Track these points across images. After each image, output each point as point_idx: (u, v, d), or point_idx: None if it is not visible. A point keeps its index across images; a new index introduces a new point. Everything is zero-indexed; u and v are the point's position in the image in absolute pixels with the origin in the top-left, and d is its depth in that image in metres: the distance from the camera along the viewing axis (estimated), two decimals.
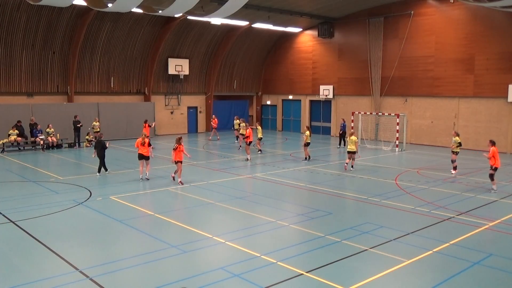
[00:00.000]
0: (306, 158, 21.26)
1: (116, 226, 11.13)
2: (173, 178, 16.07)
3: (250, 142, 21.73)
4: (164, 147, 25.78)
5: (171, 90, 32.95)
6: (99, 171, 17.28)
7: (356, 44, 31.07)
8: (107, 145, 17.41)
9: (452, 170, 17.77)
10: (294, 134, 34.33)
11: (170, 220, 11.47)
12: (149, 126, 25.11)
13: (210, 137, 29.82)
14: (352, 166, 18.69)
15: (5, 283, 7.71)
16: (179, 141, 15.59)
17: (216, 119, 29.81)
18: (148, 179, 16.35)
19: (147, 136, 22.42)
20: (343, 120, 27.21)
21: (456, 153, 17.72)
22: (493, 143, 14.97)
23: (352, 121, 27.96)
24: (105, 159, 17.52)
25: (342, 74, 32.26)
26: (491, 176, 14.82)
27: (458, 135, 17.97)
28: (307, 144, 21.13)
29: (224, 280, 7.87)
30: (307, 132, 21.16)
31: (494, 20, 24.39)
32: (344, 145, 26.00)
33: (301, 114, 35.73)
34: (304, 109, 35.45)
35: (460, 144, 17.69)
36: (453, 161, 17.77)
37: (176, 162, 15.53)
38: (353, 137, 18.52)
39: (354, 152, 18.46)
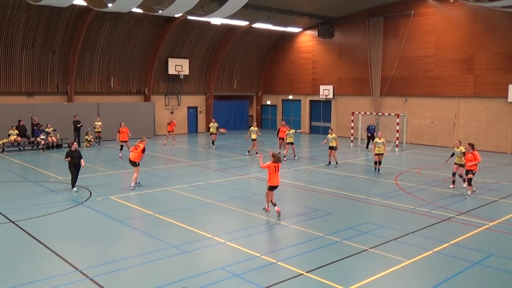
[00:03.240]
0: (329, 163, 19.91)
1: (116, 226, 11.13)
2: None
3: (282, 139, 21.82)
4: (163, 147, 25.78)
5: (171, 90, 32.95)
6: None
7: (356, 44, 31.07)
8: (65, 159, 14.37)
9: (465, 185, 14.93)
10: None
11: (170, 220, 11.47)
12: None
13: (174, 142, 27.12)
14: (378, 170, 18.01)
15: (5, 283, 7.71)
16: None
17: (174, 122, 27.65)
18: (132, 189, 14.83)
19: (125, 142, 21.30)
20: (371, 121, 25.97)
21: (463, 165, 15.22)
22: (473, 146, 14.15)
23: (352, 121, 27.95)
24: (79, 172, 14.76)
25: (342, 74, 32.25)
26: (470, 181, 14.07)
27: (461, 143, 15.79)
28: (335, 148, 19.55)
29: (224, 280, 7.87)
30: (334, 135, 19.76)
31: (494, 20, 24.39)
32: (368, 147, 24.95)
33: (301, 114, 35.73)
34: (304, 109, 35.45)
35: (464, 153, 15.56)
36: (462, 176, 15.26)
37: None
38: (383, 139, 18.04)
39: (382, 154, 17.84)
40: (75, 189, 14.58)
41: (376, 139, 18.16)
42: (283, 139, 22.17)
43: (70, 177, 14.68)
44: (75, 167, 14.53)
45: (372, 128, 25.49)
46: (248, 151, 22.87)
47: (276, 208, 11.66)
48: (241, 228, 10.89)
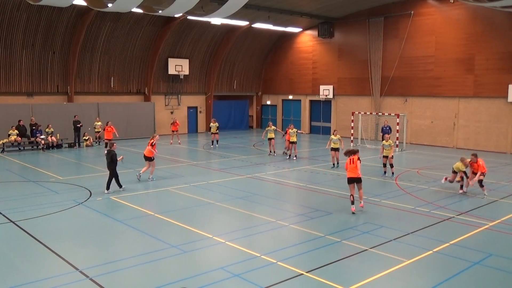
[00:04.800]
0: (334, 165, 19.41)
1: (116, 226, 11.14)
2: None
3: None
4: (164, 147, 25.78)
5: (171, 90, 32.96)
6: (119, 186, 14.58)
7: (356, 44, 31.07)
8: (118, 159, 14.37)
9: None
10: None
11: (170, 220, 11.47)
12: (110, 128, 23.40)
13: (179, 141, 27.61)
14: (390, 173, 17.40)
15: (5, 283, 7.71)
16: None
17: (178, 122, 27.85)
18: (152, 180, 16.12)
19: (109, 140, 22.36)
20: (386, 122, 25.31)
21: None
22: (476, 156, 14.27)
23: (352, 121, 27.94)
24: (116, 175, 14.45)
25: (342, 74, 32.26)
26: (481, 182, 14.03)
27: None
28: (337, 149, 19.11)
29: (224, 280, 7.87)
30: (339, 136, 19.29)
31: (494, 20, 24.39)
32: None
33: (301, 114, 35.74)
34: (304, 109, 35.45)
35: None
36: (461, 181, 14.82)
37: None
38: (390, 141, 17.50)
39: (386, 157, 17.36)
40: (109, 190, 14.34)
41: (384, 142, 17.65)
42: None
43: (108, 178, 14.36)
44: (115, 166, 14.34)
45: (386, 129, 24.77)
46: (272, 152, 22.86)
47: (358, 205, 12.10)
48: (241, 228, 10.89)
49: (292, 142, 21.37)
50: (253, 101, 39.14)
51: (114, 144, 14.78)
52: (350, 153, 12.41)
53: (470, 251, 9.36)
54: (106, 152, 14.53)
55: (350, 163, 12.27)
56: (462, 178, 14.71)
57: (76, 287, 7.62)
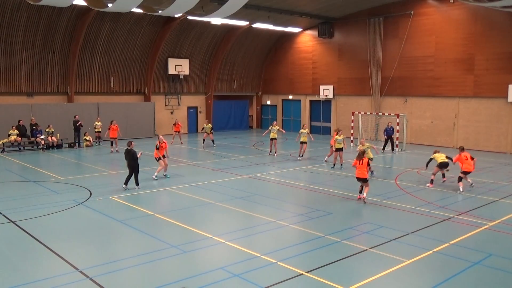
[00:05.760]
0: (334, 165, 19.41)
1: (116, 226, 11.14)
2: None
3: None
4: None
5: (171, 90, 32.95)
6: (125, 183, 14.84)
7: (356, 44, 31.08)
8: (138, 155, 14.80)
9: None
10: (294, 134, 34.23)
11: (170, 220, 11.47)
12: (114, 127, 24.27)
13: (181, 141, 28.01)
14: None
15: (5, 283, 7.71)
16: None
17: (179, 123, 28.13)
18: (156, 179, 16.41)
19: (114, 138, 23.66)
20: (390, 123, 24.92)
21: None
22: (462, 149, 15.09)
23: (352, 121, 27.95)
24: (138, 172, 15.01)
25: (342, 74, 32.26)
26: (460, 178, 14.62)
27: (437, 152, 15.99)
28: (340, 149, 19.17)
29: (224, 280, 7.88)
30: (343, 136, 19.22)
31: (494, 20, 24.39)
32: (384, 149, 24.27)
33: (301, 114, 35.74)
34: (304, 109, 35.45)
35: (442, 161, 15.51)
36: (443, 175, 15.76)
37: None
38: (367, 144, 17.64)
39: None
40: (124, 186, 14.85)
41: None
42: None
43: (134, 175, 14.90)
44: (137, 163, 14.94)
45: (390, 130, 24.45)
46: (272, 152, 22.82)
47: (362, 195, 13.36)
48: (241, 228, 10.89)
49: (303, 142, 21.19)
50: (253, 101, 39.14)
51: (132, 143, 15.20)
52: (362, 154, 13.41)
53: (470, 251, 9.36)
54: (125, 151, 15.03)
55: (359, 164, 13.22)
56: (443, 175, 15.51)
57: (76, 287, 7.62)
